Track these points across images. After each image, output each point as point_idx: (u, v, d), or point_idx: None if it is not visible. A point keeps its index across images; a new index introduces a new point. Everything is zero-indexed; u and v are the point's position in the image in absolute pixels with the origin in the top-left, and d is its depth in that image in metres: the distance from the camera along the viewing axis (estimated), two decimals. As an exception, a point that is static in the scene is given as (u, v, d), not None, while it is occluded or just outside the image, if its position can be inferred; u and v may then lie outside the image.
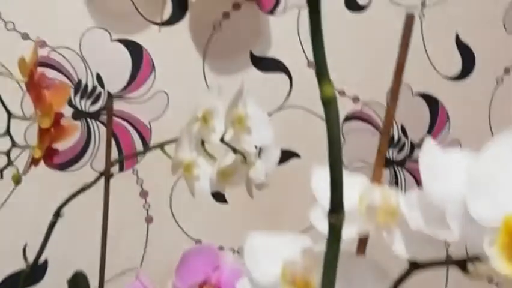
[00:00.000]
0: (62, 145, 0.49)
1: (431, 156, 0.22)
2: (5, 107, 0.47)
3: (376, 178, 0.28)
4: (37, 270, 0.73)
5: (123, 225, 0.75)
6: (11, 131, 0.47)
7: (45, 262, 0.73)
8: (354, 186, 0.25)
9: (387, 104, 0.32)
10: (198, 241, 0.79)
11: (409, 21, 0.27)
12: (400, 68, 0.28)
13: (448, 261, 0.24)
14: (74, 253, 0.74)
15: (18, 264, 0.71)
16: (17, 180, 0.48)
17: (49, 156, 0.49)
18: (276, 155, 0.52)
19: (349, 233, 0.23)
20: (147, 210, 0.77)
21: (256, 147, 0.50)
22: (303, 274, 0.25)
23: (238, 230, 0.79)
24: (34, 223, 0.71)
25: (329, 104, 0.22)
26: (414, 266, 0.24)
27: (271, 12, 0.81)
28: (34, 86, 0.47)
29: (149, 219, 0.77)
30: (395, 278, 0.25)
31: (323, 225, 0.23)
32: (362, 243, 0.28)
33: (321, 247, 0.25)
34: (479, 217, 0.20)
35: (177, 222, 0.78)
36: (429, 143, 0.23)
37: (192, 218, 0.78)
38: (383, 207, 0.24)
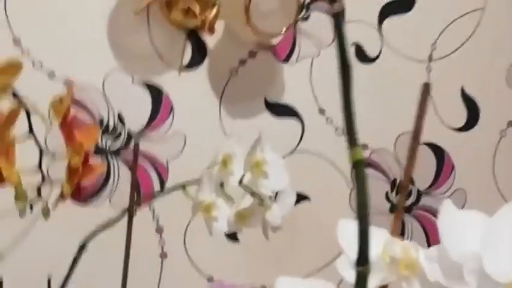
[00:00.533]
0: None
1: (449, 216, 0.25)
2: (38, 144, 0.50)
3: (395, 231, 0.31)
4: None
5: (138, 260, 0.77)
6: (42, 167, 0.50)
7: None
8: (377, 238, 0.27)
9: (406, 163, 0.35)
10: (210, 278, 0.81)
11: (425, 90, 0.30)
12: (417, 133, 0.31)
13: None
14: (88, 284, 0.75)
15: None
16: (46, 214, 0.51)
17: (77, 192, 0.52)
18: (292, 199, 0.55)
19: (373, 282, 0.25)
20: (162, 246, 0.79)
21: (272, 191, 0.53)
22: (329, 317, 0.27)
23: (249, 268, 0.81)
24: (52, 256, 0.73)
25: (358, 166, 0.25)
26: (431, 313, 0.26)
27: (286, 60, 0.85)
28: (67, 126, 0.50)
29: (163, 255, 0.79)
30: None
31: (349, 275, 0.25)
32: (383, 290, 0.31)
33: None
34: (494, 273, 0.23)
35: (190, 259, 0.80)
36: (448, 204, 0.26)
37: (205, 255, 0.80)
38: (404, 259, 0.26)
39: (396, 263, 0.26)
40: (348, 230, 0.27)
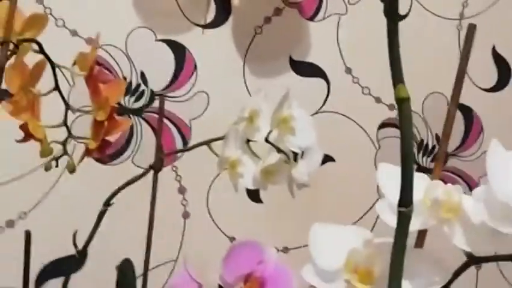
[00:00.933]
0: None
1: (498, 156, 0.24)
2: (63, 99, 0.49)
3: (436, 175, 0.30)
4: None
5: (160, 220, 0.78)
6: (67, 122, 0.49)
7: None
8: (417, 182, 0.26)
9: (448, 112, 0.34)
10: (232, 238, 0.81)
11: (471, 30, 0.29)
12: (461, 74, 0.30)
13: (504, 257, 0.25)
14: (112, 243, 0.76)
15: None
16: (72, 169, 0.51)
17: (102, 147, 0.51)
18: (319, 156, 0.54)
19: (413, 225, 0.24)
20: (184, 206, 0.79)
21: (299, 148, 0.52)
22: (365, 263, 0.26)
23: (271, 229, 0.81)
24: (78, 213, 0.74)
25: (402, 104, 0.24)
26: (472, 259, 0.26)
27: (312, 18, 0.83)
28: (92, 80, 0.50)
29: (186, 215, 0.80)
30: (452, 271, 0.26)
31: (389, 218, 0.25)
32: (421, 236, 0.30)
33: (381, 239, 0.27)
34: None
35: (213, 219, 0.80)
36: (496, 145, 0.24)
37: (228, 216, 0.81)
38: (447, 203, 0.25)
39: (438, 206, 0.25)
40: (388, 173, 0.26)
